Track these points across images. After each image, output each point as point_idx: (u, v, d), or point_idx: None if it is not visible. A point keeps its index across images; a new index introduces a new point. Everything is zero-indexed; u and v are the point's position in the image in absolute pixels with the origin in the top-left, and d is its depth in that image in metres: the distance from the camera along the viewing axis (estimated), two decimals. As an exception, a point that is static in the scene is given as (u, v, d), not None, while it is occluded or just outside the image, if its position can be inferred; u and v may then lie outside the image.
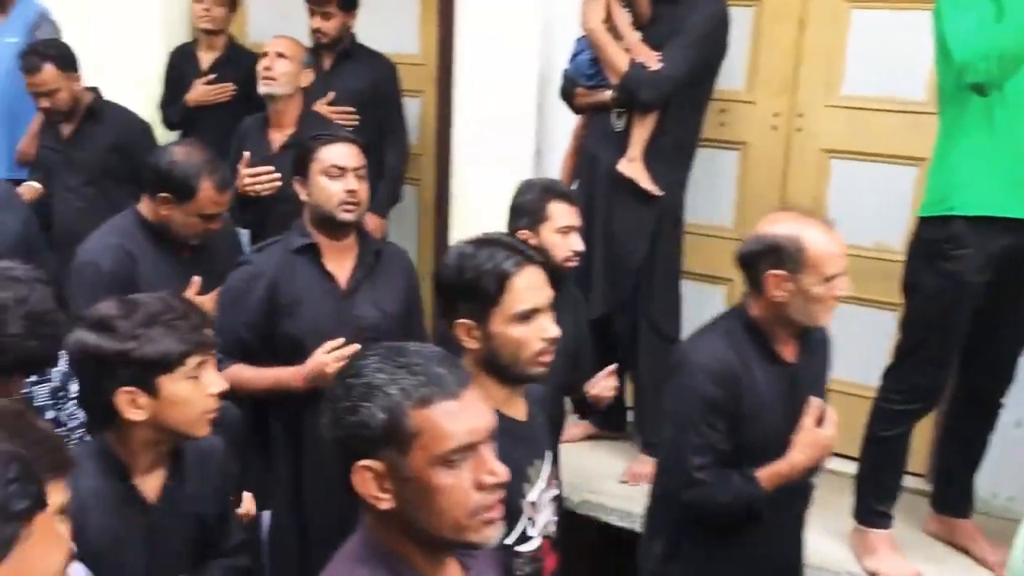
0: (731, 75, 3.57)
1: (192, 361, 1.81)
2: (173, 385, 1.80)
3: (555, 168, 3.78)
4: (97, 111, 3.76)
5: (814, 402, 2.19)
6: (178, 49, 4.41)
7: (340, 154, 2.62)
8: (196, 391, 1.82)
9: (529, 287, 1.80)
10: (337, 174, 2.59)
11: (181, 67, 4.33)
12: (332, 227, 2.61)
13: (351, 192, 2.59)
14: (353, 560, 1.30)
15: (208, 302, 2.66)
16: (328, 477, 2.54)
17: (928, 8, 2.71)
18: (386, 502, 1.25)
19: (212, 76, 4.20)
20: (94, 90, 3.81)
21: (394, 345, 1.32)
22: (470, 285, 1.80)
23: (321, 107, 3.82)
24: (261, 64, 3.57)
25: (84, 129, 3.76)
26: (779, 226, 2.22)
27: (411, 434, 1.22)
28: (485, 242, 1.86)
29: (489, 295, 1.79)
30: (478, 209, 3.88)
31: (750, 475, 2.18)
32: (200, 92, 4.19)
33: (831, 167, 3.59)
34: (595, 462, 3.64)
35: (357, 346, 2.34)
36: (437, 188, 4.39)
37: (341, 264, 2.64)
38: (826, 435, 2.16)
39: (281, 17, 4.51)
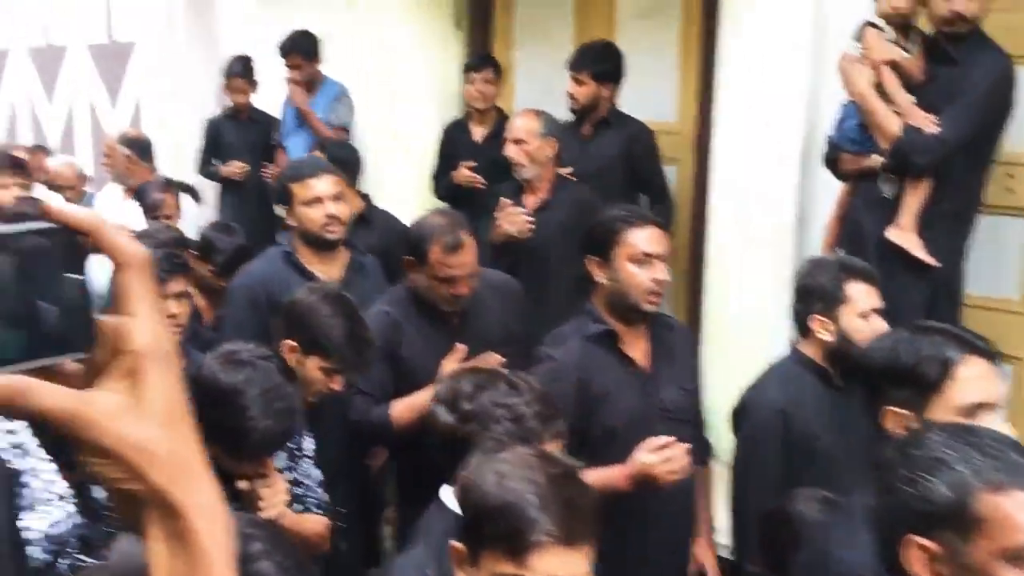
0: (1020, 137, 3.29)
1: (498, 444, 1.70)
2: None
3: (818, 237, 3.64)
4: (367, 217, 3.90)
5: None
6: (452, 123, 4.73)
7: (651, 240, 2.44)
8: None
9: (978, 377, 1.66)
10: (645, 261, 2.42)
11: (455, 140, 4.63)
12: (633, 315, 2.48)
13: (659, 282, 2.43)
14: None
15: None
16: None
17: None
18: None
19: (473, 164, 4.43)
20: (365, 197, 4.00)
21: (961, 424, 1.28)
22: (907, 371, 1.68)
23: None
24: (507, 152, 3.71)
25: (355, 234, 3.76)
26: None
27: (977, 519, 1.14)
28: (925, 328, 1.76)
29: (929, 382, 1.66)
30: (735, 278, 3.81)
31: None
32: (462, 176, 4.43)
33: None
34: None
35: (674, 439, 2.25)
36: (691, 256, 4.34)
37: (638, 347, 2.52)
38: None
39: (544, 91, 4.70)
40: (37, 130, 7.37)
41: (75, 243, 0.56)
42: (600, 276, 2.50)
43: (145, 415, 0.56)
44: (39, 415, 0.53)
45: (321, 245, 3.08)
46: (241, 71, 5.11)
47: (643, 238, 2.44)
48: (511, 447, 1.42)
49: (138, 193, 4.35)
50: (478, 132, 4.60)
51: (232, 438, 1.90)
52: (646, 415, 2.37)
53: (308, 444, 2.39)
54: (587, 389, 2.43)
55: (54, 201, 0.65)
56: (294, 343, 2.43)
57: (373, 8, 4.89)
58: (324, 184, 3.06)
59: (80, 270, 0.57)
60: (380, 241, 3.87)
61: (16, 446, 2.14)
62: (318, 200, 3.03)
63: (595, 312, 2.52)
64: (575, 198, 3.61)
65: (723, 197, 3.91)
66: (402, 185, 4.94)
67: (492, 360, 2.67)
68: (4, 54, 7.46)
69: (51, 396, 0.53)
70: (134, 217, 4.45)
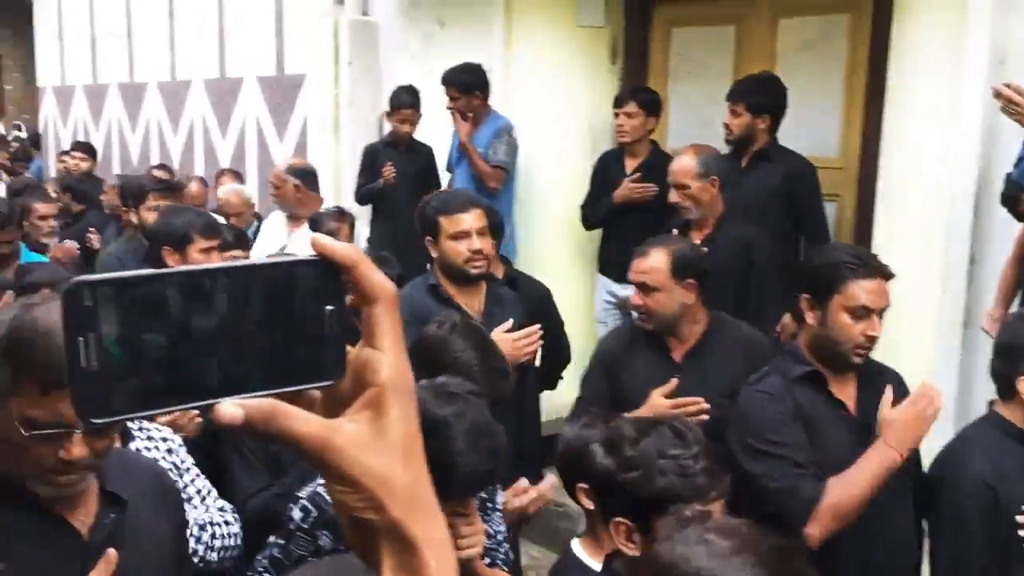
0: None
1: (691, 510, 1.60)
2: None
3: (992, 279, 3.45)
4: (512, 281, 3.74)
5: None
6: (607, 154, 4.76)
7: (874, 293, 2.32)
8: None
9: None
10: (862, 314, 2.31)
11: (608, 170, 4.65)
12: (839, 364, 2.39)
13: (871, 339, 2.33)
14: None
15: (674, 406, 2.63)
16: None
17: None
18: None
19: (638, 175, 4.45)
20: (505, 261, 3.93)
21: None
22: None
23: None
24: (671, 198, 3.65)
25: (491, 295, 3.50)
26: None
27: None
28: None
29: None
30: (901, 321, 3.65)
31: None
32: (626, 191, 4.45)
33: None
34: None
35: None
36: (852, 295, 4.20)
37: (846, 391, 2.42)
38: None
39: (699, 124, 4.67)
40: (211, 158, 7.84)
41: (334, 275, 0.58)
42: (810, 317, 2.39)
43: (387, 448, 0.58)
44: (290, 439, 0.56)
45: (463, 279, 3.08)
46: (410, 101, 5.15)
47: (865, 290, 2.31)
48: (703, 516, 1.35)
49: (312, 222, 4.50)
50: (630, 164, 4.61)
51: (437, 472, 1.81)
52: (854, 459, 2.24)
53: (499, 498, 2.33)
54: (803, 426, 2.34)
55: (321, 236, 0.67)
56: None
57: (530, 44, 4.98)
58: (472, 219, 3.05)
59: (337, 301, 0.59)
60: (524, 305, 3.83)
61: (176, 466, 2.21)
62: (465, 235, 3.02)
63: (798, 353, 2.43)
64: (738, 237, 3.53)
65: (888, 235, 3.77)
66: (555, 215, 5.00)
67: (696, 406, 2.64)
68: (186, 85, 7.99)
69: (303, 422, 0.56)
70: (305, 245, 4.61)
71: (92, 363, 0.52)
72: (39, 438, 1.41)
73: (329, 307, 0.58)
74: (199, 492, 2.26)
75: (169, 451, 2.23)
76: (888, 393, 2.25)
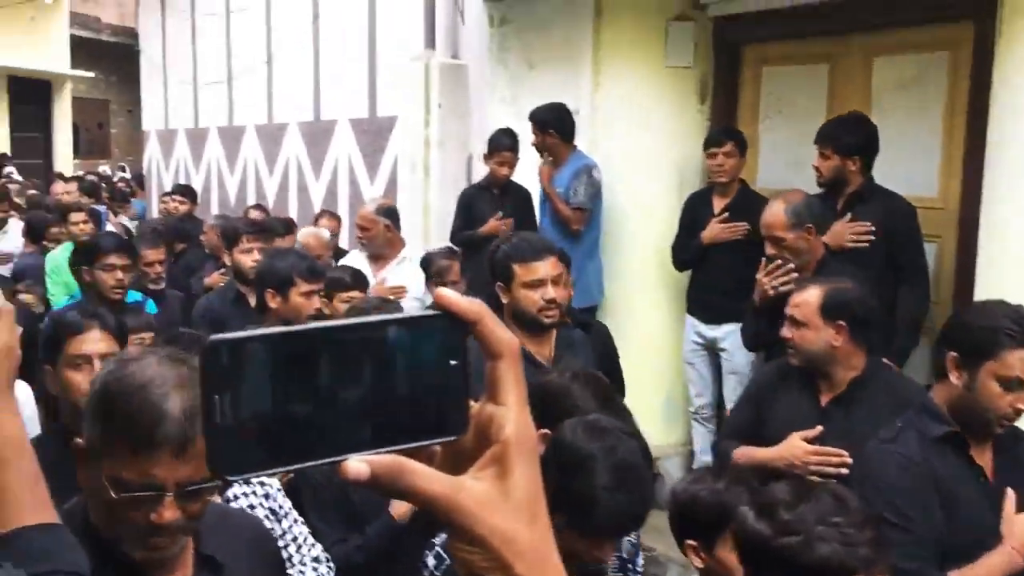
0: None
1: None
2: None
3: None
4: (585, 324, 3.70)
5: None
6: (695, 194, 4.73)
7: None
8: None
9: None
10: (1016, 387, 2.17)
11: (696, 211, 4.62)
12: (979, 430, 2.27)
13: (1019, 412, 2.21)
14: None
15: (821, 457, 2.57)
16: None
17: None
18: None
19: (726, 215, 4.42)
20: (566, 310, 3.70)
21: None
22: None
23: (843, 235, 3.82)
24: (767, 252, 3.55)
25: (561, 340, 3.44)
26: None
27: None
28: None
29: None
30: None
31: None
32: (715, 231, 4.42)
33: None
34: None
35: None
36: (953, 339, 4.04)
37: (982, 454, 2.30)
38: None
39: (790, 164, 4.60)
40: (304, 198, 8.05)
41: (458, 330, 0.58)
42: (955, 376, 2.25)
43: (513, 507, 0.57)
44: (416, 496, 0.55)
45: (536, 327, 2.95)
46: (509, 144, 5.12)
47: (1023, 360, 2.17)
48: None
49: (424, 260, 4.57)
50: (718, 203, 4.56)
51: (578, 507, 1.72)
52: (992, 528, 2.14)
53: (640, 560, 2.26)
54: (937, 490, 2.22)
55: (445, 290, 0.65)
56: (547, 430, 2.39)
57: (619, 86, 4.99)
58: (547, 267, 2.92)
59: (459, 356, 0.58)
60: (594, 345, 3.67)
61: (274, 511, 2.19)
62: (541, 283, 2.90)
63: (934, 410, 2.30)
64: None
65: (992, 278, 3.62)
66: (643, 255, 4.97)
67: (839, 458, 2.57)
68: (282, 128, 8.26)
69: (429, 480, 0.55)
70: (403, 281, 4.68)
71: (227, 420, 0.53)
72: (128, 500, 1.35)
73: (453, 362, 0.58)
74: (295, 540, 2.22)
75: (267, 496, 2.20)
76: (1011, 495, 2.15)
